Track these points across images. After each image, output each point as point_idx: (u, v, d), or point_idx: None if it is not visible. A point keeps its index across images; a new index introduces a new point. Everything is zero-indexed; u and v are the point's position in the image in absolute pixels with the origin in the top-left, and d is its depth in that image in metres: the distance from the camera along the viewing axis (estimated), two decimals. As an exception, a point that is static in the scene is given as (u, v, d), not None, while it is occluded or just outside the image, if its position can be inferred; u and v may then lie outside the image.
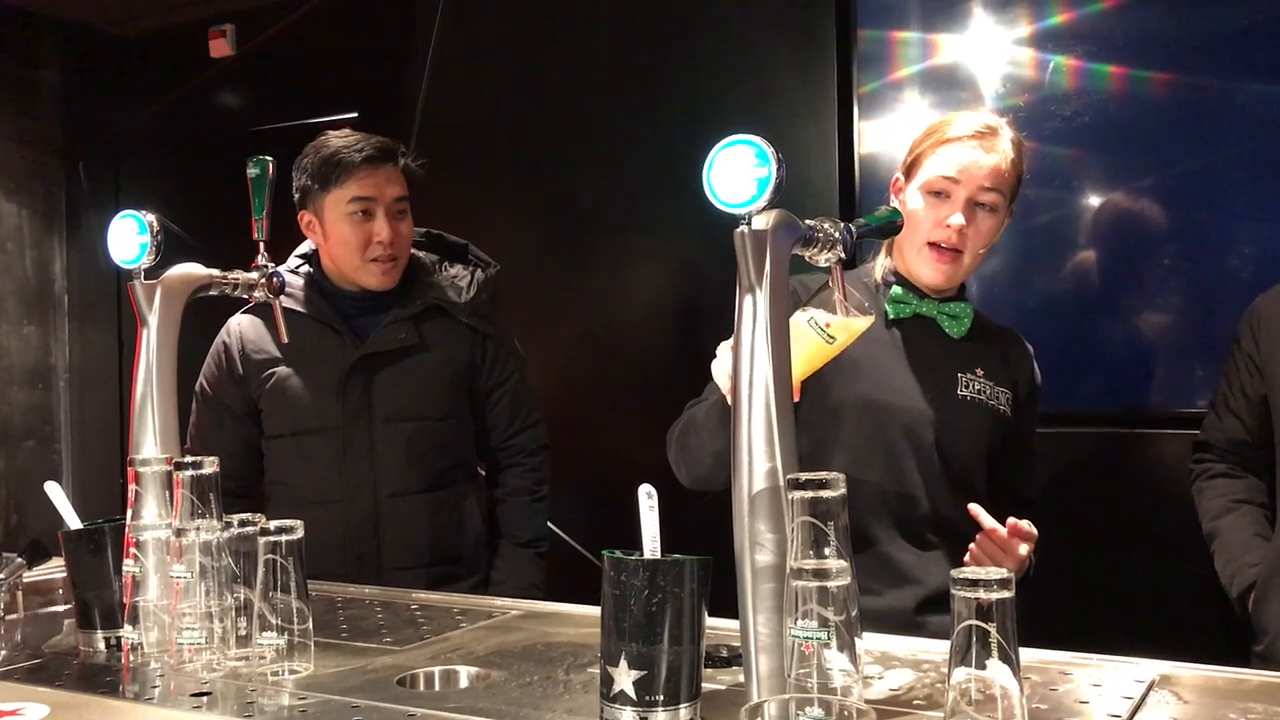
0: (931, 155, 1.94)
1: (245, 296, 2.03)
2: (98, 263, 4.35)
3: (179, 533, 1.58)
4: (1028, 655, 1.48)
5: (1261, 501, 2.22)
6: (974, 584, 1.02)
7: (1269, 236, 2.59)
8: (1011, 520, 1.79)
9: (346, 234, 2.38)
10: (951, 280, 2.00)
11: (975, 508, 1.83)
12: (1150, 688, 1.39)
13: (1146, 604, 2.49)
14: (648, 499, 1.29)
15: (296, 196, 2.43)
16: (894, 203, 2.02)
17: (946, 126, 1.95)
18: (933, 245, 1.94)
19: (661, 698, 1.22)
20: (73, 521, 1.78)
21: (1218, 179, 2.64)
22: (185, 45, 4.14)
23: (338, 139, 2.41)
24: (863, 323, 1.53)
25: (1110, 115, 2.73)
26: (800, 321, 1.51)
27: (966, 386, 1.99)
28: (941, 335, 2.02)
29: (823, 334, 1.51)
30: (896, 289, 2.02)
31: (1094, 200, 2.77)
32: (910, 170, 1.99)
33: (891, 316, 2.00)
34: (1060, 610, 2.17)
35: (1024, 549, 1.80)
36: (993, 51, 2.85)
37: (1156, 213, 2.70)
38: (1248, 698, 1.35)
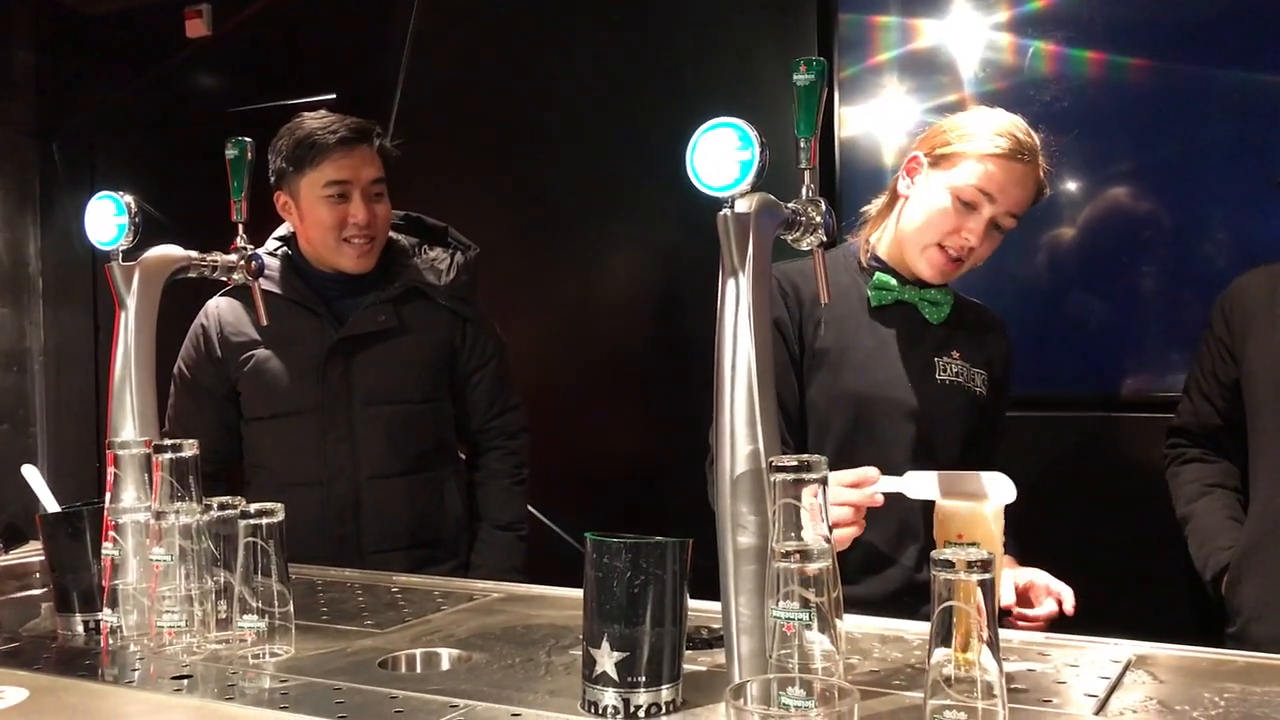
0: (973, 162, 1.89)
1: (224, 279, 2.02)
2: (72, 244, 4.31)
3: (158, 516, 1.57)
4: (1006, 635, 1.50)
5: (1234, 486, 2.24)
6: (953, 565, 1.03)
7: (1244, 222, 2.61)
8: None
9: (322, 216, 2.37)
10: (945, 281, 2.01)
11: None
12: (1127, 668, 1.40)
13: (1122, 587, 2.51)
14: None
15: (272, 179, 2.42)
16: (904, 182, 1.99)
17: (995, 138, 1.89)
18: (941, 247, 1.94)
19: (643, 679, 1.23)
20: (50, 505, 1.78)
21: (1194, 165, 2.65)
22: (161, 25, 4.10)
23: (312, 120, 2.39)
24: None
25: (1088, 101, 2.73)
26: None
27: (944, 370, 2.00)
28: (919, 320, 2.02)
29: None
30: (881, 275, 2.01)
31: (1071, 185, 2.78)
32: (940, 160, 1.93)
33: (874, 304, 2.00)
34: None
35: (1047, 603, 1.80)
36: (972, 36, 2.85)
37: (1134, 197, 2.72)
38: (1223, 678, 1.36)
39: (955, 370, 2.00)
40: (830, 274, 1.99)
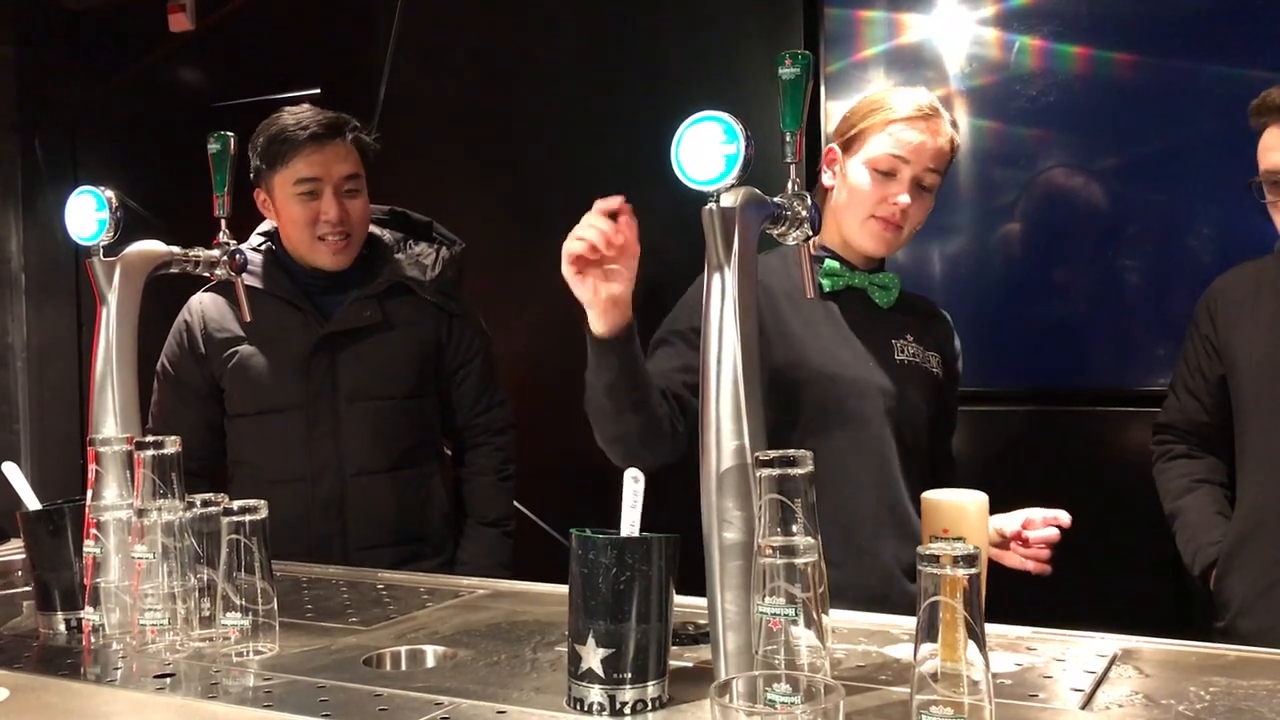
0: (879, 133, 1.98)
1: (207, 275, 2.01)
2: (55, 240, 4.27)
3: (140, 513, 1.56)
4: (992, 630, 1.49)
5: (1221, 481, 2.24)
6: (939, 560, 1.02)
7: (1228, 218, 2.61)
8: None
9: (295, 214, 2.35)
10: (890, 250, 2.07)
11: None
12: (1113, 662, 1.40)
13: (1108, 581, 2.52)
14: (634, 483, 1.28)
15: (252, 176, 2.40)
16: (826, 176, 2.06)
17: (892, 105, 1.99)
18: (877, 218, 1.99)
19: (629, 675, 1.22)
20: (31, 502, 1.76)
21: (1179, 160, 2.65)
22: (144, 19, 4.07)
23: (287, 116, 2.36)
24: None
25: (1074, 96, 2.74)
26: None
27: (902, 351, 2.05)
28: (871, 305, 2.06)
29: None
30: (830, 263, 2.05)
31: (1056, 179, 2.78)
32: (851, 144, 2.02)
33: (827, 289, 2.03)
34: (1024, 586, 2.20)
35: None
36: (958, 31, 2.85)
37: (1118, 193, 2.72)
38: (1209, 671, 1.37)
39: (912, 351, 2.06)
40: (788, 266, 2.01)
